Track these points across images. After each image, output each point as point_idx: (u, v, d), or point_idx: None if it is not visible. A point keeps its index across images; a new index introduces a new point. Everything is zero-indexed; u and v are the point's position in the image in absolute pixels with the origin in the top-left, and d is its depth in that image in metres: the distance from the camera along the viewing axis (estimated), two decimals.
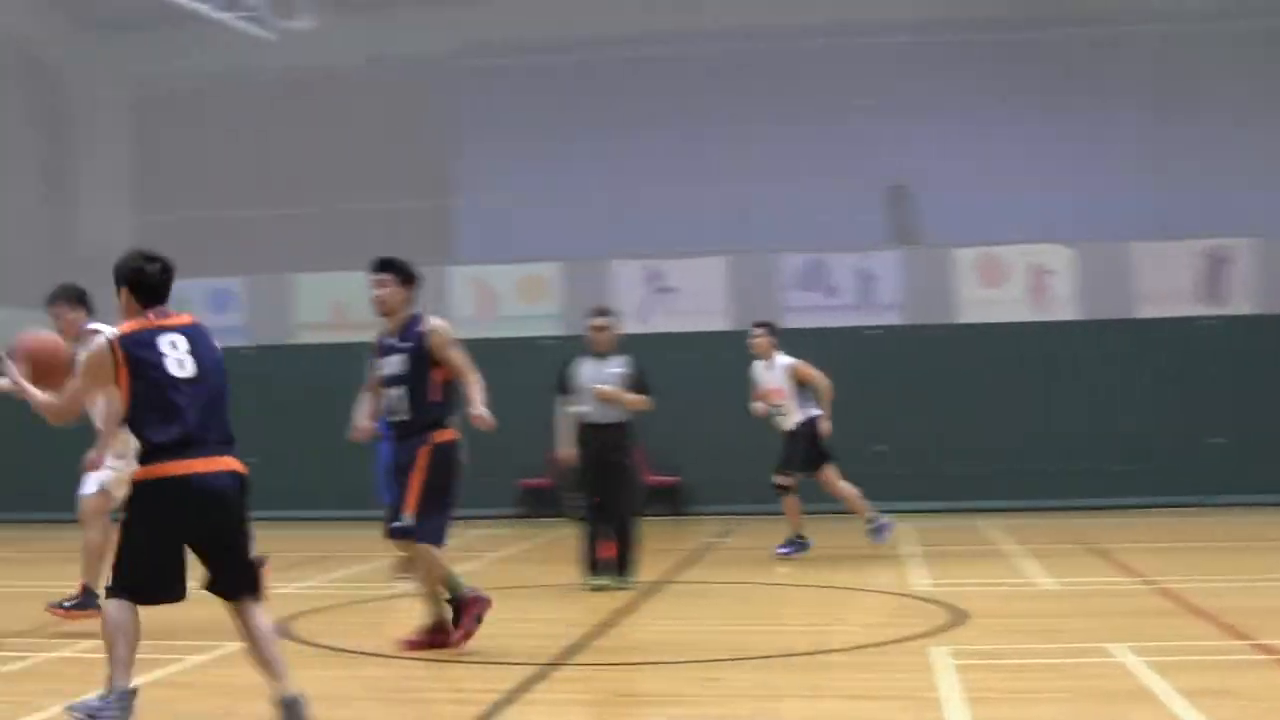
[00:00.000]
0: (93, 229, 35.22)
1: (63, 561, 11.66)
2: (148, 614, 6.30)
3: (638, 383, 11.78)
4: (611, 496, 11.62)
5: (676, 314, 24.48)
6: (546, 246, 29.33)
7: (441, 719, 7.41)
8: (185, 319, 6.39)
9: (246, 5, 29.18)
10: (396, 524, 8.52)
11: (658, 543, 13.72)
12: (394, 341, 8.74)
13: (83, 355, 6.56)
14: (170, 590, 6.25)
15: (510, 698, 7.24)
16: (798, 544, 13.94)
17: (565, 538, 13.86)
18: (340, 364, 16.05)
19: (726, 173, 27.28)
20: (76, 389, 6.43)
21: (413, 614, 9.02)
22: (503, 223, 30.74)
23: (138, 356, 6.17)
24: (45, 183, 33.68)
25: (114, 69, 34.31)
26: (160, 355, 6.19)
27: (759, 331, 14.27)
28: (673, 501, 19.97)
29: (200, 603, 6.51)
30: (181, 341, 6.28)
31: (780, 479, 13.95)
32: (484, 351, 18.04)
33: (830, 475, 14.00)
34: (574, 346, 12.37)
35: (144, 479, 6.16)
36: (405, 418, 8.60)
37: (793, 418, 13.83)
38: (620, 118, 29.13)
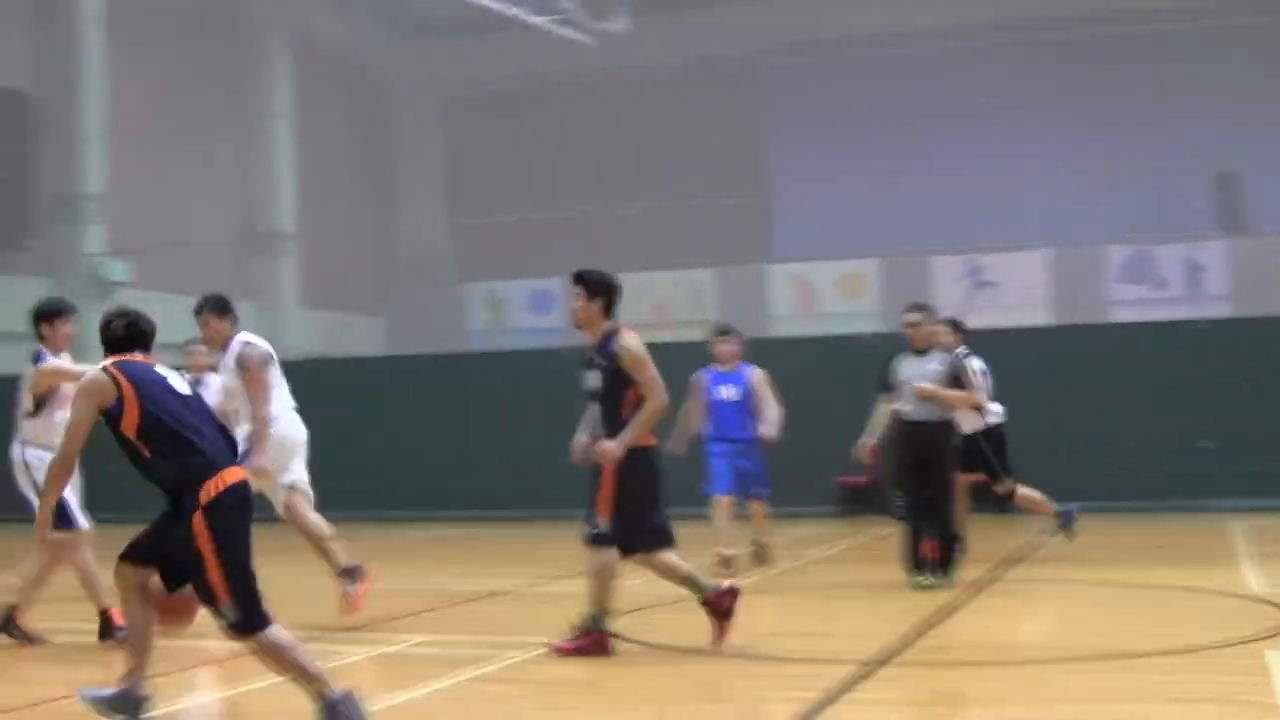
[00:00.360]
0: (411, 234, 36.47)
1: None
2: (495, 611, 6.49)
3: (955, 380, 11.62)
4: (932, 495, 11.49)
5: (998, 309, 23.94)
6: (864, 243, 29.15)
7: (765, 717, 7.48)
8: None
9: (560, 9, 29.75)
10: (591, 530, 8.47)
11: (982, 541, 13.49)
12: (593, 355, 8.68)
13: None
14: None
15: (833, 697, 7.24)
16: (1065, 516, 13.69)
17: (885, 536, 13.76)
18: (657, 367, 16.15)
19: (1046, 165, 26.60)
20: None
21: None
22: (820, 220, 30.66)
23: None
24: (368, 190, 35.03)
25: (430, 76, 35.47)
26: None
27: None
28: (997, 499, 19.53)
29: (538, 600, 6.69)
30: None
31: (1000, 489, 13.59)
32: (803, 349, 18.17)
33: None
34: (895, 344, 12.24)
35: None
36: (605, 433, 8.52)
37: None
38: (936, 111, 28.70)
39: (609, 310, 8.66)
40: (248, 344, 10.03)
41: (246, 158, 34.27)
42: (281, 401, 10.25)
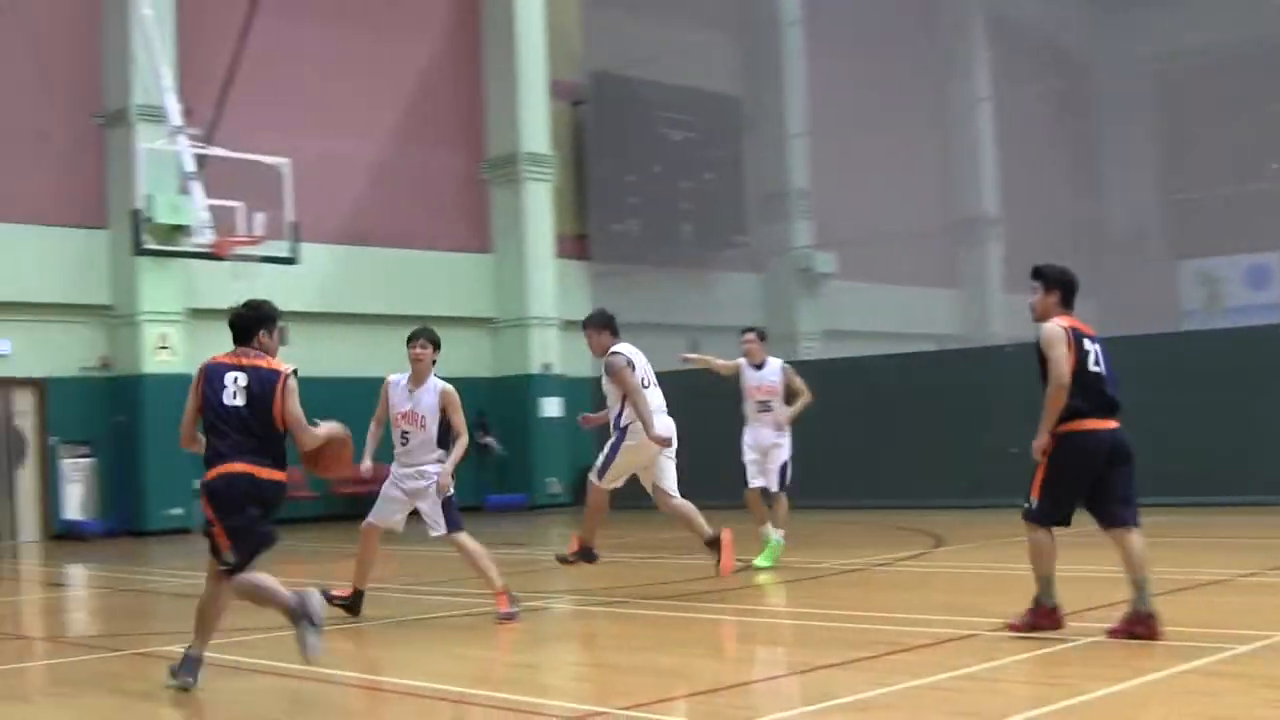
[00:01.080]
0: (1119, 212, 35.06)
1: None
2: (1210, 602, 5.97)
3: None
4: None
5: None
6: None
7: None
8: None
9: None
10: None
11: None
12: None
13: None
14: None
15: None
16: None
17: None
18: None
19: None
20: None
21: None
22: None
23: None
24: (1072, 170, 34.06)
25: (1133, 49, 33.99)
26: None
27: None
28: None
29: (1255, 591, 6.09)
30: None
31: None
32: None
33: None
34: None
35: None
36: None
37: None
38: None
39: (1066, 303, 8.94)
40: (614, 353, 12.04)
41: (947, 145, 34.34)
42: (654, 403, 11.97)
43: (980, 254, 33.97)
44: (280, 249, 21.46)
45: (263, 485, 7.96)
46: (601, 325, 12.33)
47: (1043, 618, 8.74)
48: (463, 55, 28.31)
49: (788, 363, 14.96)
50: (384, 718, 7.19)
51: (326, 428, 8.52)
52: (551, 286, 27.97)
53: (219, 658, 9.16)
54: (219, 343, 25.03)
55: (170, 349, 23.38)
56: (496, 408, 27.41)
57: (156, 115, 22.23)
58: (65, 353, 23.29)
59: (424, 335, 11.82)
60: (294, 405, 8.27)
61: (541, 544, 17.87)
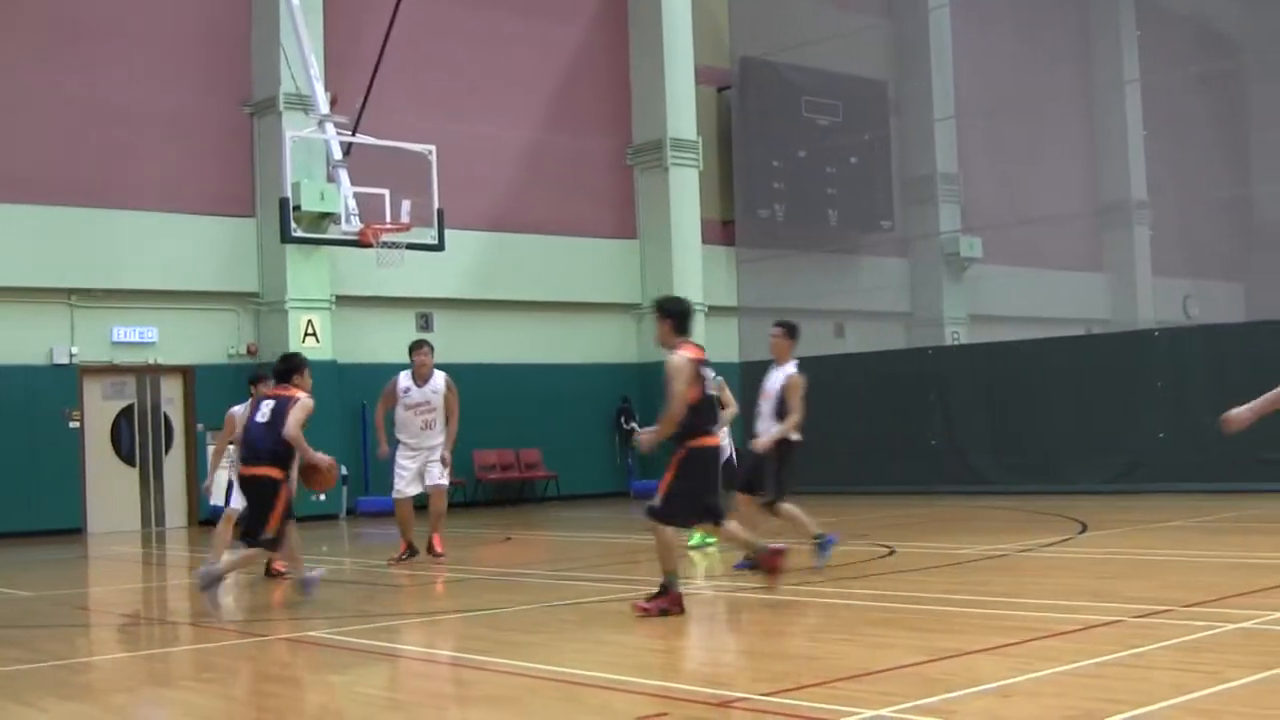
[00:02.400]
0: (1269, 195, 34.06)
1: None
2: None
3: None
4: None
5: None
6: None
7: None
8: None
9: None
10: None
11: None
12: None
13: None
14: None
15: None
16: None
17: None
18: None
19: None
20: None
21: None
22: None
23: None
24: (1222, 153, 33.21)
25: None
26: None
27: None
28: None
29: None
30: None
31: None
32: None
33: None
34: None
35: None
36: None
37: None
38: None
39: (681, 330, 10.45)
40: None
41: (1094, 128, 33.73)
42: None
43: (1127, 238, 33.30)
44: (426, 236, 21.67)
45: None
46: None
47: (673, 603, 9.78)
48: (610, 41, 28.39)
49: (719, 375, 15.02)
50: (530, 704, 7.24)
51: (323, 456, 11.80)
52: (698, 272, 27.96)
53: (366, 644, 9.31)
54: (365, 330, 25.59)
55: (316, 336, 23.77)
56: (641, 394, 27.49)
57: (304, 104, 22.60)
58: (212, 340, 23.75)
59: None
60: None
61: (684, 530, 17.86)
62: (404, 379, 14.79)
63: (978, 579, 11.74)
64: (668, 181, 27.82)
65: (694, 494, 10.05)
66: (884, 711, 6.35)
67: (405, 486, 14.79)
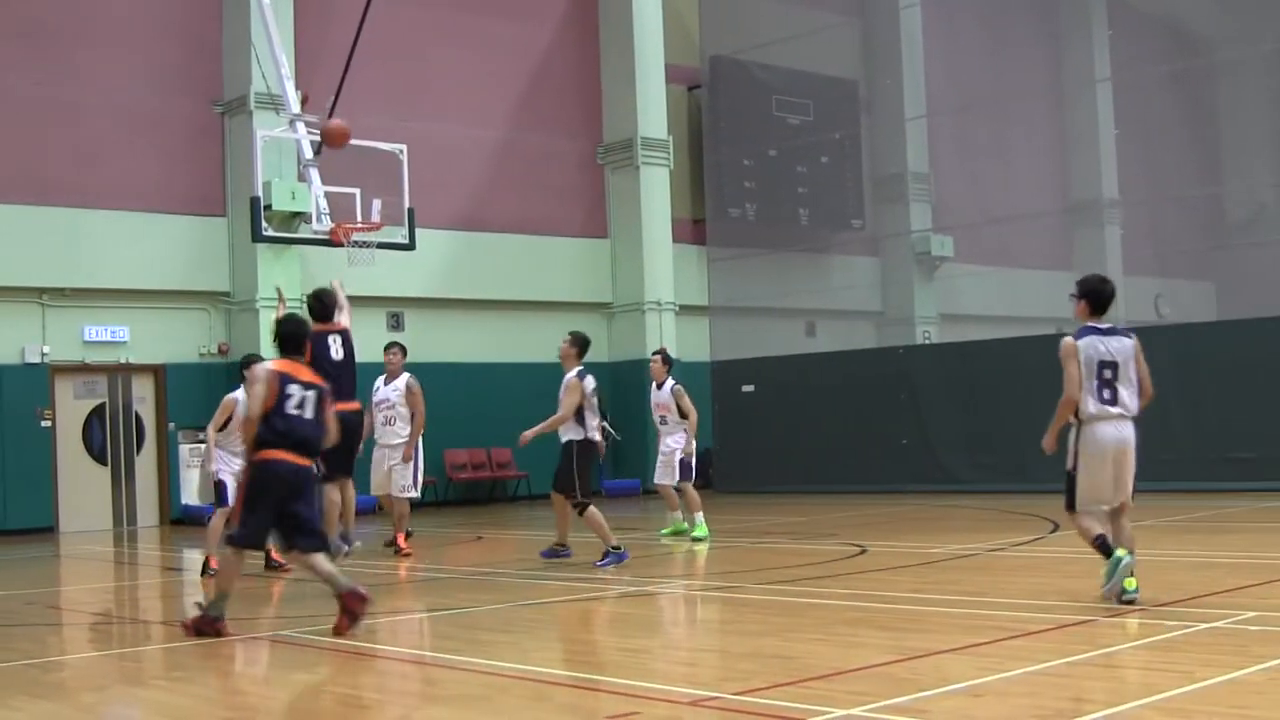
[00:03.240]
0: (1239, 194, 34.25)
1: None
2: None
3: None
4: None
5: None
6: None
7: None
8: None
9: None
10: None
11: None
12: None
13: None
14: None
15: None
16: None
17: None
18: None
19: None
20: None
21: None
22: None
23: None
24: (1192, 152, 33.38)
25: (1255, 26, 33.15)
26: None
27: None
28: None
29: None
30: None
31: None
32: None
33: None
34: None
35: None
36: None
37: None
38: None
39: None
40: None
41: (1065, 127, 33.85)
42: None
43: (1098, 236, 33.41)
44: (397, 235, 21.64)
45: None
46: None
47: (208, 625, 9.61)
48: (580, 40, 28.35)
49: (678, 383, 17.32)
50: (499, 702, 7.22)
51: None
52: (668, 271, 27.95)
53: (336, 642, 9.26)
54: None
55: None
56: (612, 393, 27.47)
57: (275, 103, 22.51)
58: (184, 339, 23.65)
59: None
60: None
61: (655, 529, 17.88)
62: (379, 379, 15.89)
63: (949, 578, 11.76)
64: (638, 180, 27.80)
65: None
66: (855, 711, 6.34)
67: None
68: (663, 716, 6.66)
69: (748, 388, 26.57)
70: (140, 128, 23.34)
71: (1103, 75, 32.82)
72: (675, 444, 16.69)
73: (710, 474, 27.57)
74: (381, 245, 21.44)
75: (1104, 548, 9.29)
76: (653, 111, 28.05)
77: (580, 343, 14.03)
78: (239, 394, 13.47)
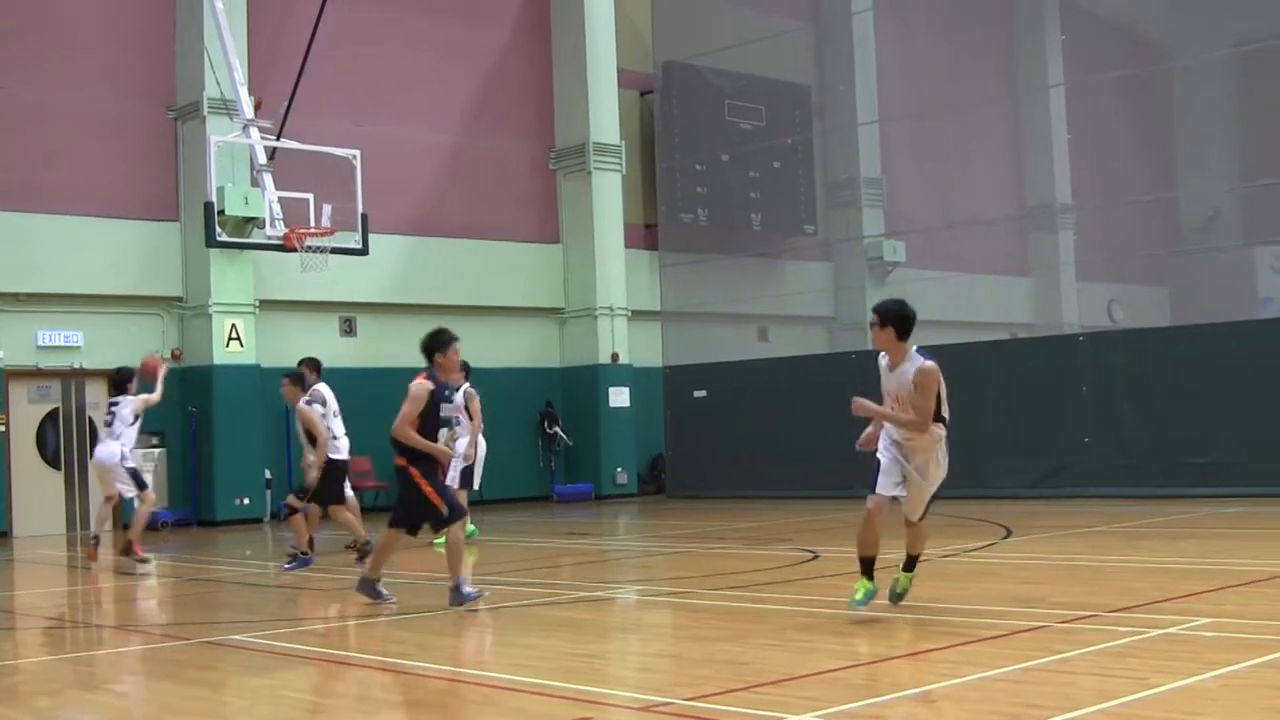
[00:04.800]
0: (1193, 199, 34.51)
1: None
2: None
3: None
4: None
5: None
6: None
7: None
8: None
9: None
10: None
11: None
12: None
13: None
14: None
15: None
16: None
17: None
18: None
19: None
20: None
21: None
22: None
23: None
24: (1146, 157, 33.62)
25: (1210, 32, 33.44)
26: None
27: None
28: None
29: None
30: None
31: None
32: None
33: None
34: None
35: None
36: None
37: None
38: None
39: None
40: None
41: (1019, 132, 34.01)
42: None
43: (1052, 242, 33.58)
44: (350, 240, 21.56)
45: None
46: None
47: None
48: (532, 45, 28.31)
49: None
50: (451, 707, 7.20)
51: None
52: (620, 276, 27.94)
53: (289, 647, 9.21)
54: (289, 334, 25.44)
55: (240, 340, 23.58)
56: (564, 398, 27.46)
57: (228, 108, 22.39)
58: (137, 344, 23.41)
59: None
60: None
61: (608, 535, 17.87)
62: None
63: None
64: (590, 185, 27.78)
65: None
66: (807, 716, 6.34)
67: None
68: None
69: (700, 393, 26.58)
70: (94, 132, 23.22)
71: (1056, 81, 33.00)
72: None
73: (662, 478, 27.61)
74: (334, 250, 21.35)
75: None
76: (605, 116, 28.05)
77: (298, 378, 15.29)
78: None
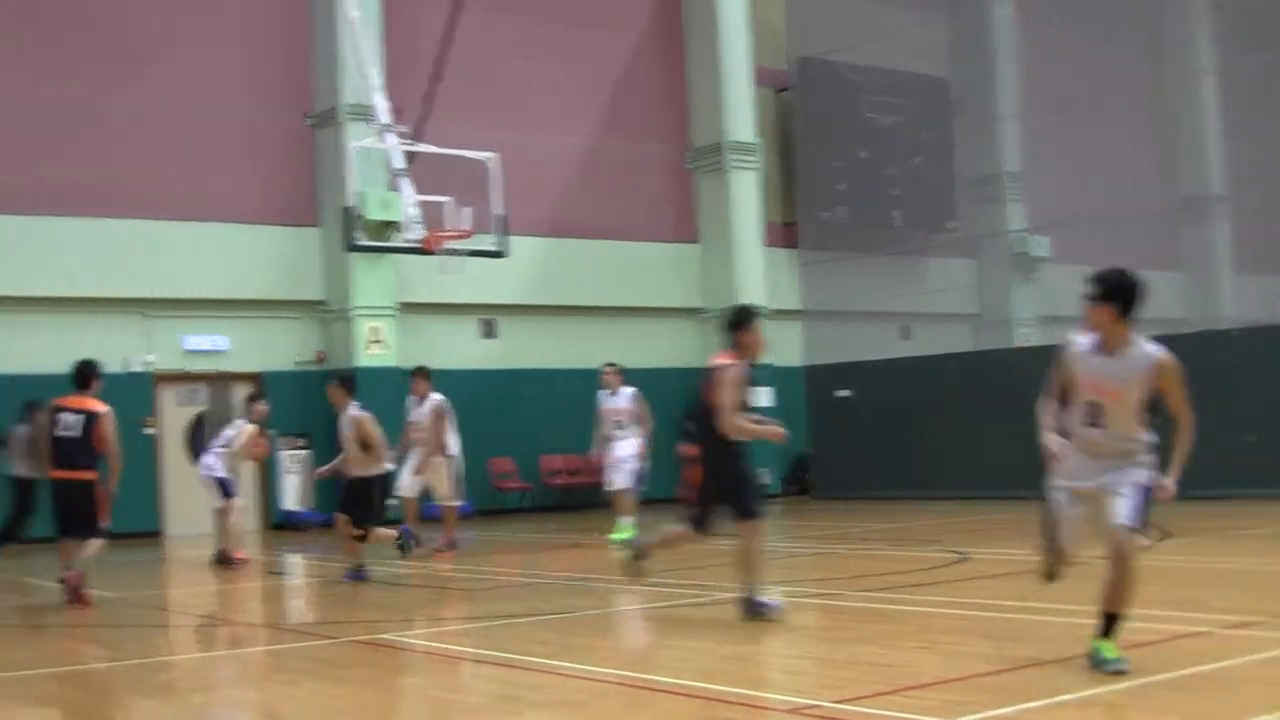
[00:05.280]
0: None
1: None
2: None
3: None
4: None
5: None
6: None
7: None
8: None
9: None
10: None
11: None
12: None
13: None
14: None
15: None
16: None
17: None
18: None
19: None
20: None
21: None
22: None
23: None
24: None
25: None
26: None
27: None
28: None
29: None
30: None
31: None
32: None
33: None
34: None
35: None
36: None
37: None
38: None
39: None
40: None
41: (1166, 122, 33.22)
42: None
43: (1205, 234, 32.74)
44: (488, 242, 21.64)
45: None
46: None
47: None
48: (666, 45, 28.27)
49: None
50: (597, 708, 7.14)
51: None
52: (759, 276, 27.76)
53: (435, 646, 9.23)
54: (428, 336, 25.66)
55: (382, 342, 23.86)
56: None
57: (365, 114, 22.64)
58: (281, 347, 23.95)
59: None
60: None
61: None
62: (410, 402, 17.01)
63: (1054, 586, 11.46)
64: (727, 185, 27.64)
65: None
66: None
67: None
68: None
69: (844, 392, 26.26)
70: (235, 141, 23.72)
71: (1207, 67, 32.14)
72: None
73: (806, 479, 27.36)
74: (473, 253, 21.43)
75: None
76: (741, 115, 27.90)
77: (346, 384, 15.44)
78: (236, 429, 16.90)
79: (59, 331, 21.69)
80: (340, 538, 14.23)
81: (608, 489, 18.28)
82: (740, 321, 10.20)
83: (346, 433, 14.96)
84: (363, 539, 13.98)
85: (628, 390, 17.75)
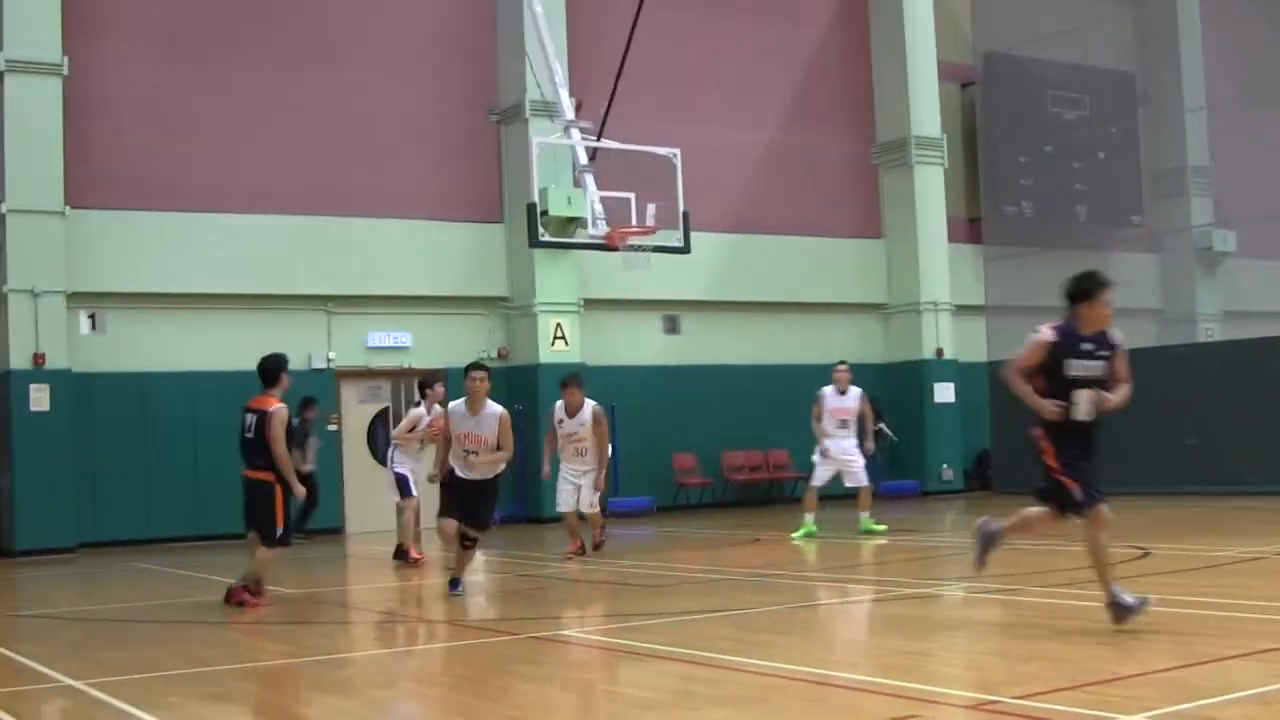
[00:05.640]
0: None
1: None
2: None
3: None
4: None
5: None
6: None
7: None
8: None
9: None
10: None
11: None
12: None
13: None
14: None
15: None
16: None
17: None
18: None
19: None
20: None
21: None
22: None
23: None
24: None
25: None
26: None
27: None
28: None
29: None
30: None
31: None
32: None
33: None
34: None
35: None
36: None
37: None
38: None
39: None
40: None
41: None
42: None
43: None
44: (671, 239, 21.84)
45: None
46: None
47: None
48: (850, 41, 28.24)
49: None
50: (777, 704, 7.29)
51: None
52: (944, 271, 27.64)
53: (615, 643, 9.42)
54: (612, 332, 25.89)
55: (565, 339, 24.10)
56: (889, 394, 27.24)
57: (549, 110, 22.99)
58: (463, 344, 23.99)
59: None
60: None
61: (935, 530, 17.73)
62: (558, 410, 16.29)
63: (1235, 582, 11.40)
64: (913, 179, 27.56)
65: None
66: (1137, 717, 6.23)
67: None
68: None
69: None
70: (420, 138, 24.01)
71: None
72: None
73: (988, 475, 27.20)
74: (656, 249, 21.68)
75: None
76: (926, 110, 27.79)
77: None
78: (422, 410, 16.50)
79: (244, 330, 21.84)
80: (448, 543, 13.22)
81: (850, 485, 18.33)
82: (1080, 291, 9.66)
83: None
84: (474, 545, 13.07)
85: (856, 390, 17.94)
